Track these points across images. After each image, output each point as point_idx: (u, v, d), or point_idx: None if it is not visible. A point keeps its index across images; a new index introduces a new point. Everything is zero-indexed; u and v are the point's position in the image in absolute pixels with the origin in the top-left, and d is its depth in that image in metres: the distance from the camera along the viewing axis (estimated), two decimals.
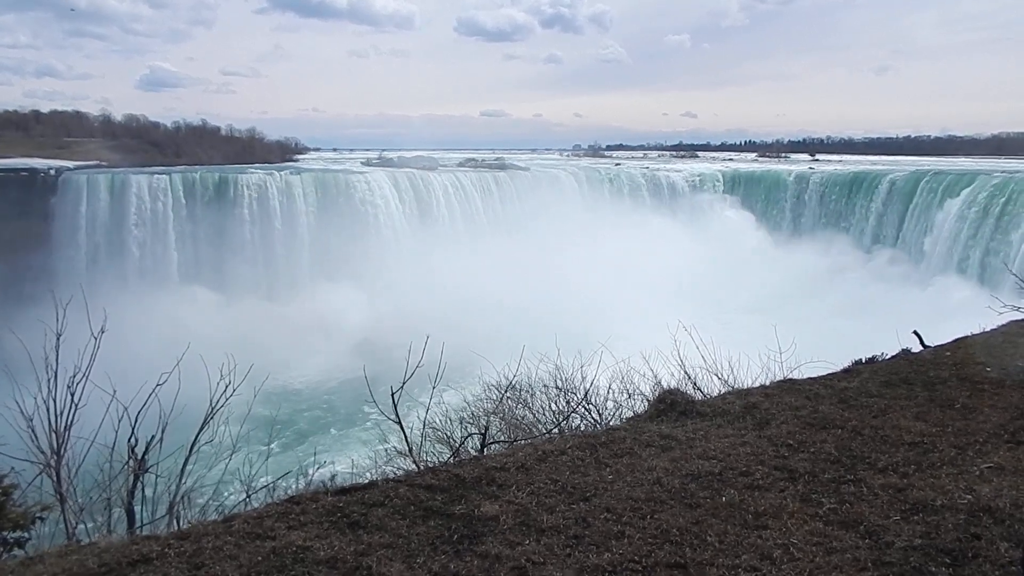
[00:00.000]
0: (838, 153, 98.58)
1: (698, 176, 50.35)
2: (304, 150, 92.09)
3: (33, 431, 4.77)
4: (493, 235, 40.05)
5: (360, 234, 37.22)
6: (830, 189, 44.95)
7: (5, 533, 4.01)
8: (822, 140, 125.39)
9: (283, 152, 70.12)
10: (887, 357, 6.62)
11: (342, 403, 25.54)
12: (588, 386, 7.67)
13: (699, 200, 48.43)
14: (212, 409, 5.28)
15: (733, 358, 7.68)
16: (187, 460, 5.13)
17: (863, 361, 6.50)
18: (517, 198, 43.97)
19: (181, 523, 4.71)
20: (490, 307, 30.04)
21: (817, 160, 74.15)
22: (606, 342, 8.37)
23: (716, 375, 7.54)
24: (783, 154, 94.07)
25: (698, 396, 6.59)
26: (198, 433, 5.26)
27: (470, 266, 35.45)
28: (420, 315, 27.84)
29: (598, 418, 7.39)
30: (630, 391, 7.81)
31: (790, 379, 6.25)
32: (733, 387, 6.94)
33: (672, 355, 7.74)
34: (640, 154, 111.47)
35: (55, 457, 4.72)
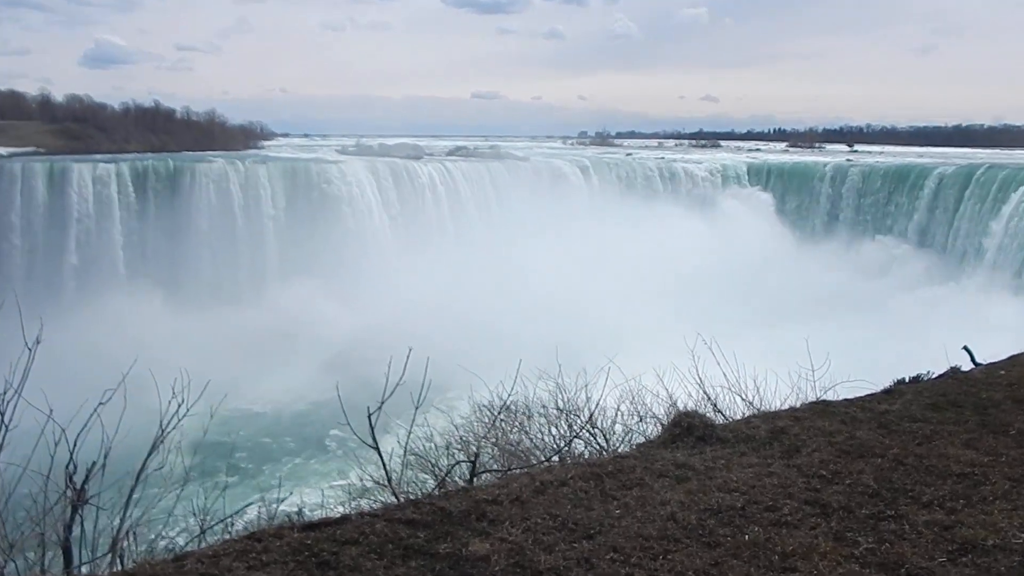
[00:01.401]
0: (879, 143, 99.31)
1: (720, 168, 50.58)
2: (271, 136, 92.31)
3: None
4: (486, 234, 40.15)
5: (334, 232, 37.26)
6: (870, 184, 45.19)
7: None
8: (861, 129, 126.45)
9: (247, 138, 70.28)
10: (933, 376, 6.65)
11: (311, 425, 25.47)
12: (593, 407, 7.70)
13: (722, 195, 48.66)
14: (162, 432, 5.26)
15: (759, 376, 7.71)
16: (133, 490, 5.10)
17: (906, 380, 6.53)
18: (514, 192, 44.09)
19: (125, 562, 4.68)
20: (481, 316, 30.11)
21: (856, 151, 74.73)
22: (614, 357, 8.40)
23: (739, 395, 7.57)
24: (817, 144, 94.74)
25: (719, 419, 6.60)
26: (146, 459, 5.23)
27: (459, 269, 35.51)
28: (401, 325, 27.85)
29: (604, 444, 7.40)
30: (641, 413, 7.83)
31: (823, 400, 6.26)
32: (759, 409, 6.96)
33: (690, 372, 7.77)
34: (655, 142, 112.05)
35: None
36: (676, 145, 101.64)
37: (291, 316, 32.19)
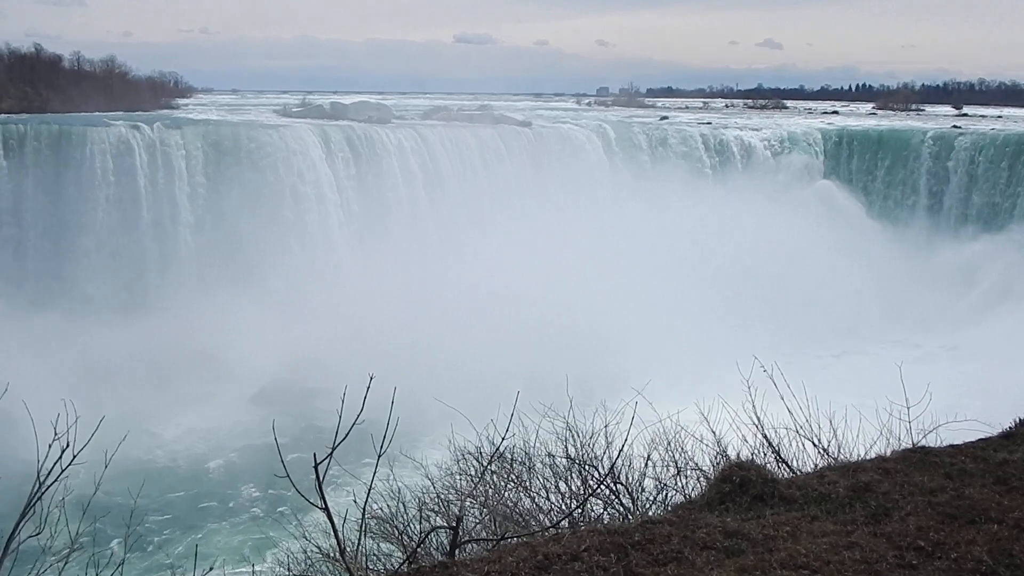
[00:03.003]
0: (996, 105, 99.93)
1: (786, 137, 50.93)
2: (188, 91, 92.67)
3: None
4: (474, 224, 40.21)
5: (271, 220, 37.29)
6: (985, 159, 45.37)
7: None
8: (972, 85, 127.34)
9: (156, 94, 70.48)
10: None
11: (239, 479, 25.44)
12: (615, 456, 7.72)
13: (787, 174, 48.89)
14: (39, 487, 5.23)
15: (836, 414, 7.75)
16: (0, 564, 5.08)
17: None
18: (511, 168, 44.29)
19: None
20: (466, 333, 30.14)
21: (965, 115, 75.20)
22: (643, 389, 8.44)
23: (810, 440, 7.61)
24: (914, 105, 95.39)
25: (782, 472, 6.61)
26: (17, 525, 5.21)
27: (437, 270, 35.61)
28: (360, 344, 27.86)
29: (630, 504, 7.42)
30: (679, 464, 7.88)
31: (922, 447, 6.28)
32: (836, 458, 6.98)
33: (744, 409, 7.81)
34: (698, 103, 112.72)
35: None
36: (727, 106, 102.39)
37: (212, 331, 32.16)
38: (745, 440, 7.72)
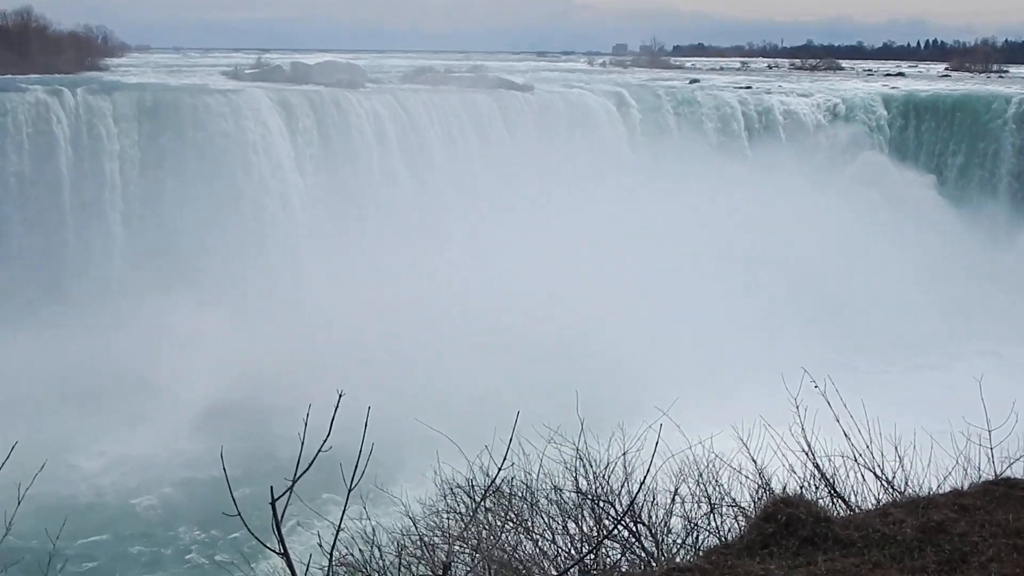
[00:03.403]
0: None
1: (841, 104, 50.97)
2: (120, 49, 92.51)
3: None
4: (465, 211, 40.20)
5: (221, 207, 37.20)
6: None
7: None
8: None
9: (82, 52, 70.28)
10: None
11: (180, 517, 25.46)
12: (635, 489, 7.73)
13: (842, 150, 48.92)
14: None
15: (901, 438, 7.77)
16: None
17: None
18: (509, 142, 44.25)
19: None
20: (455, 342, 30.17)
21: None
22: (669, 408, 8.47)
23: (871, 470, 7.62)
24: (995, 66, 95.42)
25: (838, 509, 6.62)
26: None
27: (422, 269, 35.54)
28: (328, 357, 27.82)
29: (653, 549, 7.44)
30: (713, 499, 7.90)
31: (1006, 479, 6.29)
32: (902, 493, 6.98)
33: (791, 432, 7.83)
34: (735, 63, 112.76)
35: None
36: (770, 67, 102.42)
37: (147, 341, 32.12)
38: (792, 471, 7.74)
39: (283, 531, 5.88)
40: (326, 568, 6.32)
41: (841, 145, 49.36)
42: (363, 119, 41.69)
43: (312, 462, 5.56)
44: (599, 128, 46.72)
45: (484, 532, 7.71)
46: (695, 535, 7.65)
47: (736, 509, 7.71)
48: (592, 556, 7.27)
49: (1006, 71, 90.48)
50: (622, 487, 7.96)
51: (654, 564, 6.89)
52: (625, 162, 45.50)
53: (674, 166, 43.95)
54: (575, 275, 34.64)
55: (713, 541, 7.08)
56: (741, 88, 55.23)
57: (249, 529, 5.89)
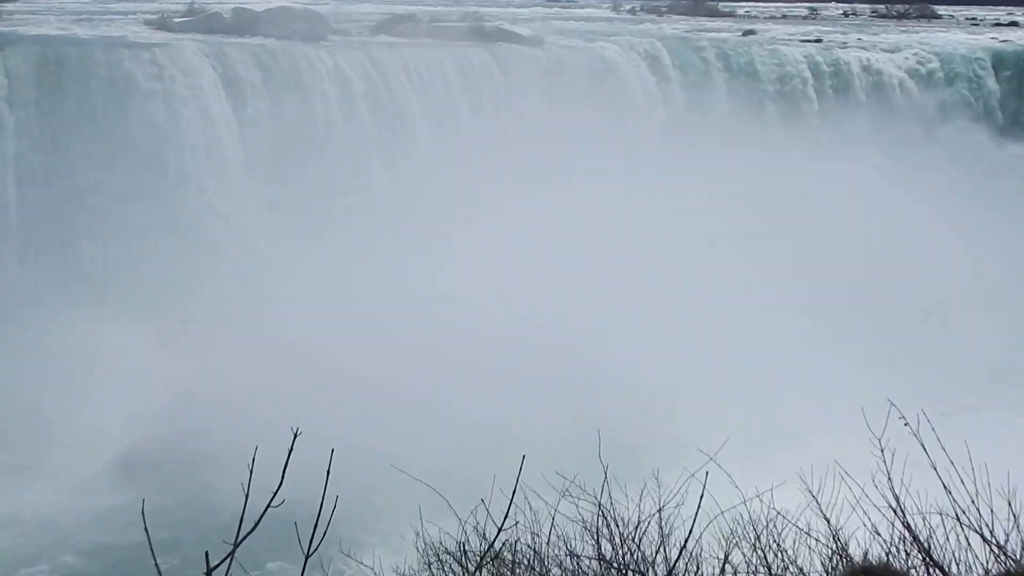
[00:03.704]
0: None
1: (936, 62, 51.10)
2: None
3: None
4: (456, 201, 40.16)
5: (142, 194, 37.07)
6: None
7: None
8: None
9: None
10: None
11: None
12: (674, 556, 7.76)
13: (938, 120, 48.91)
14: None
15: (1015, 492, 7.71)
16: None
17: None
18: (513, 113, 44.25)
19: None
20: (443, 367, 30.10)
21: None
22: (717, 452, 8.44)
23: (977, 532, 7.56)
24: None
25: None
26: None
27: (401, 275, 35.42)
28: (282, 386, 27.67)
29: None
30: (773, 568, 7.90)
31: None
32: (1016, 560, 6.93)
33: (875, 481, 7.79)
34: (801, 8, 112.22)
35: None
36: (846, 15, 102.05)
37: (44, 366, 31.96)
38: (877, 532, 7.69)
39: None
40: None
41: (935, 114, 49.32)
42: (325, 82, 41.35)
43: (259, 521, 5.51)
44: (626, 93, 46.59)
45: None
46: None
47: None
48: None
49: None
50: (656, 553, 7.93)
51: None
52: (660, 138, 45.36)
53: (722, 144, 43.68)
54: (595, 283, 34.56)
55: None
56: (809, 41, 55.18)
57: None
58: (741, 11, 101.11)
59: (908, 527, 7.70)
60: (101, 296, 34.13)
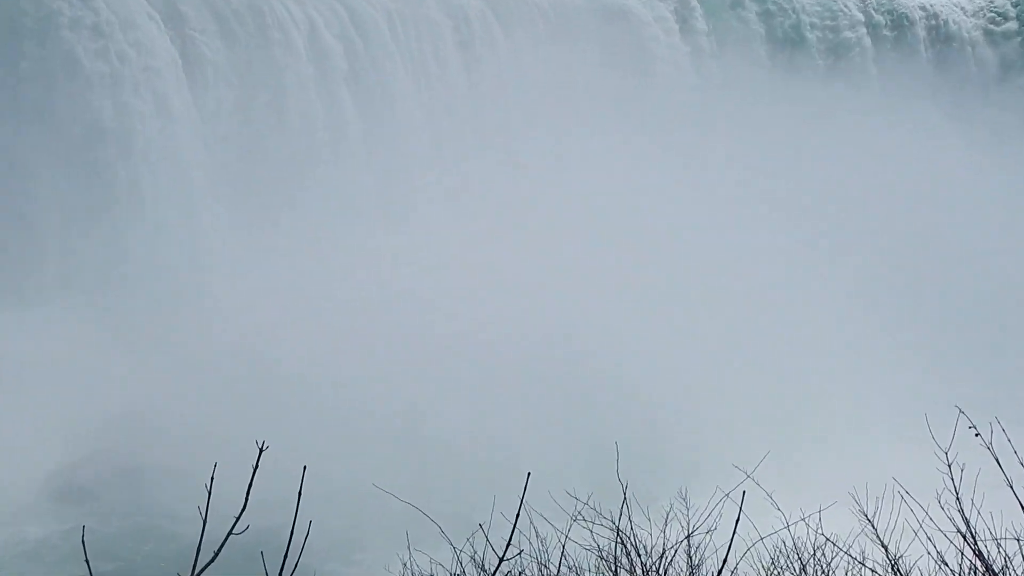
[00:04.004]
0: None
1: (1011, 7, 50.93)
2: None
3: None
4: (443, 173, 40.11)
5: (74, 169, 36.94)
6: None
7: None
8: None
9: None
10: None
11: None
12: None
13: (1014, 72, 48.74)
14: None
15: None
16: None
17: None
18: (512, 67, 44.02)
19: None
20: (434, 371, 30.10)
21: None
22: (754, 470, 8.43)
23: None
24: None
25: None
26: None
27: (380, 263, 35.31)
28: (244, 393, 27.52)
29: None
30: None
31: None
32: None
33: (941, 503, 7.76)
34: None
35: None
36: None
37: None
38: (943, 561, 7.67)
39: None
40: None
41: (1013, 67, 49.20)
42: (291, 31, 40.99)
43: (219, 550, 5.52)
44: (646, 42, 46.31)
45: None
46: None
47: None
48: None
49: None
50: None
51: None
52: (686, 99, 44.94)
53: (760, 103, 43.32)
54: (609, 272, 34.46)
55: None
56: None
57: None
58: None
59: (980, 555, 7.66)
60: (31, 301, 34.08)
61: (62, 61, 36.88)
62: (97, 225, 36.05)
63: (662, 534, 8.29)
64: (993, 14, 50.45)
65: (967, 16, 50.27)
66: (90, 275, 35.28)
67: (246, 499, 5.73)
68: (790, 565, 8.18)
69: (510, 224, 36.38)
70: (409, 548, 8.77)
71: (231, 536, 5.72)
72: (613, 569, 8.13)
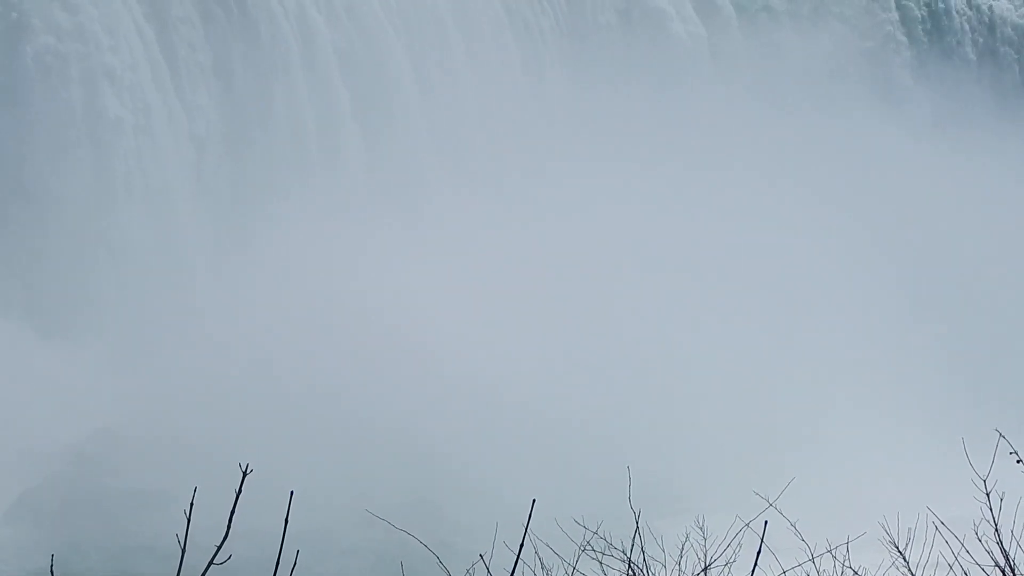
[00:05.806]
0: None
1: None
2: None
3: None
4: (447, 178, 40.22)
5: (57, 179, 37.02)
6: None
7: None
8: None
9: None
10: None
11: None
12: None
13: None
14: None
15: None
16: None
17: None
18: (519, 61, 43.95)
19: None
20: (435, 392, 30.11)
21: None
22: (776, 496, 8.44)
23: None
24: None
25: None
26: None
27: (377, 274, 35.29)
28: (226, 410, 27.57)
29: None
30: None
31: None
32: None
33: (976, 533, 7.74)
34: None
35: None
36: None
37: None
38: None
39: None
40: None
41: None
42: (282, 23, 41.06)
43: None
44: (666, 36, 46.36)
45: None
46: None
47: None
48: None
49: None
50: None
51: None
52: (707, 92, 44.96)
53: (790, 99, 43.51)
54: (621, 287, 34.58)
55: None
56: None
57: None
58: None
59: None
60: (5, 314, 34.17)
61: (19, 27, 37.07)
62: (59, 217, 35.98)
63: (677, 566, 8.26)
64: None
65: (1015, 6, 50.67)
66: (58, 287, 35.27)
67: (228, 526, 5.71)
68: None
69: (515, 234, 36.42)
70: None
71: (212, 566, 5.72)
72: None
